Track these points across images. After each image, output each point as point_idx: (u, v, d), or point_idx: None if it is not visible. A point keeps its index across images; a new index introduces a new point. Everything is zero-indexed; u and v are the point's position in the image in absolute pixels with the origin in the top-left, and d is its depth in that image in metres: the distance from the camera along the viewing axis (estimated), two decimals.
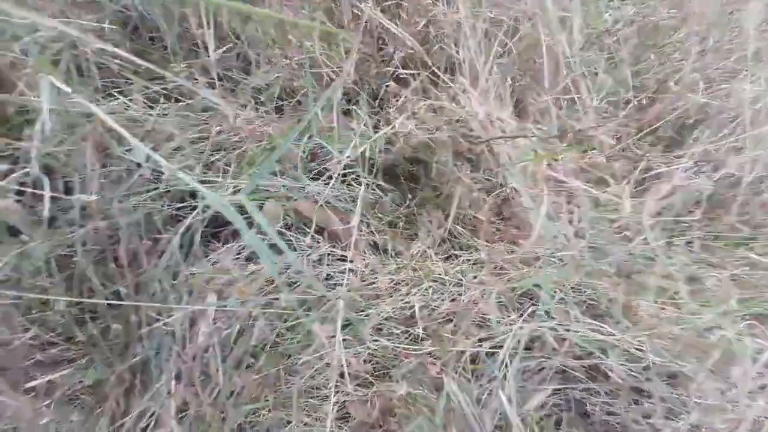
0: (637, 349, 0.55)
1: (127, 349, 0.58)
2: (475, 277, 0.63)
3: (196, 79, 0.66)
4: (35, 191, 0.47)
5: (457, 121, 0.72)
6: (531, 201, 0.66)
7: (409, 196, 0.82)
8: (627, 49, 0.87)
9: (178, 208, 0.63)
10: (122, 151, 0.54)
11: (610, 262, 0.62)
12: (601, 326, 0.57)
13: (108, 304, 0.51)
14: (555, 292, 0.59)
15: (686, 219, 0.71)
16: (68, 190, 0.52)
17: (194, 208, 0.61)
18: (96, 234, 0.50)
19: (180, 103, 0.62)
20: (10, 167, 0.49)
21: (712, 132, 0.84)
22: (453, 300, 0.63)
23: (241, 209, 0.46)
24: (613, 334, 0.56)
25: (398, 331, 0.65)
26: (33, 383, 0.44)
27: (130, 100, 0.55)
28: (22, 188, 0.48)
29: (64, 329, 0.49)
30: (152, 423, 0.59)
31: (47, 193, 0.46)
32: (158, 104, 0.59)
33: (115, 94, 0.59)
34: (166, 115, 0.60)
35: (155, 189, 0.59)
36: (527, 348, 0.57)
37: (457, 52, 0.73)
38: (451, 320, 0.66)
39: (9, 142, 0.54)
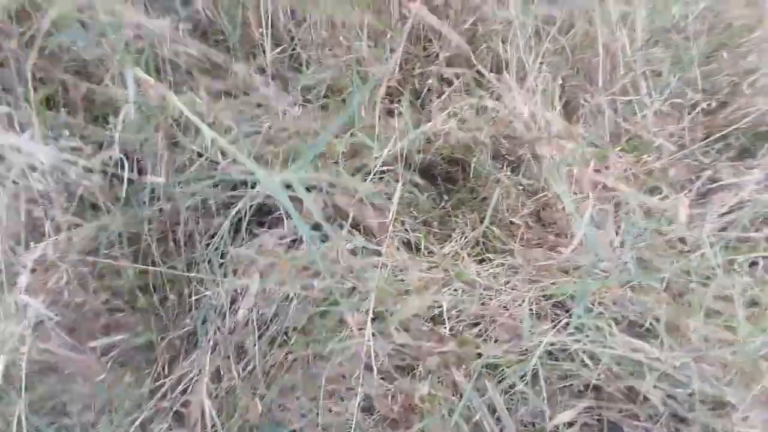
0: (681, 373, 0.52)
1: (178, 319, 0.65)
2: (507, 282, 0.62)
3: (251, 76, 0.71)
4: (115, 172, 0.54)
5: (500, 121, 0.71)
6: (573, 206, 0.63)
7: (446, 196, 0.83)
8: (696, 47, 0.79)
9: (231, 196, 0.68)
10: (188, 141, 0.60)
11: (659, 278, 0.58)
12: (642, 345, 0.54)
13: (166, 276, 0.57)
14: (593, 304, 0.56)
15: (753, 236, 0.64)
16: (140, 173, 0.59)
17: (244, 195, 0.67)
18: (160, 214, 0.56)
19: (237, 99, 0.68)
20: (95, 150, 0.57)
21: None
22: (483, 303, 0.62)
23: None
24: (656, 356, 0.52)
25: (425, 329, 0.66)
26: (95, 343, 0.51)
27: (197, 95, 0.61)
28: (105, 169, 0.56)
29: (129, 297, 0.57)
30: (189, 388, 0.65)
31: (126, 174, 0.53)
32: (220, 100, 0.65)
33: (185, 89, 0.65)
34: (226, 109, 0.66)
35: (212, 177, 0.65)
36: (557, 359, 0.56)
37: (505, 50, 0.71)
38: (479, 323, 0.66)
39: (96, 129, 0.62)
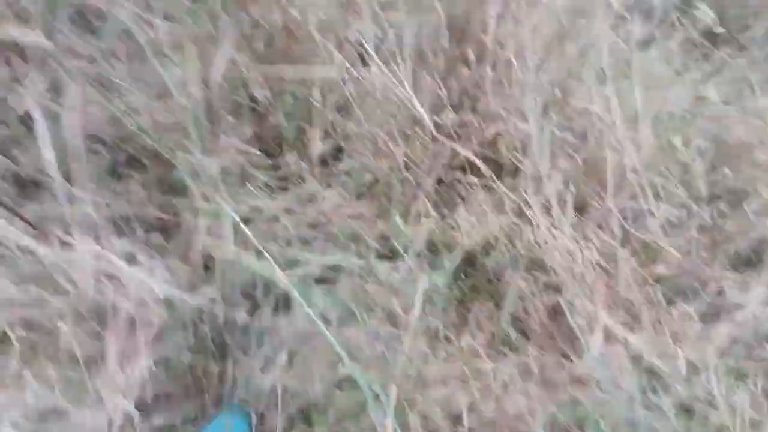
0: None
1: (216, 391, 0.71)
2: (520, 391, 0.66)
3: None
4: None
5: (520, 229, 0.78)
6: (586, 325, 0.68)
7: (462, 281, 0.89)
8: (701, 163, 0.87)
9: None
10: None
11: (669, 400, 0.61)
12: None
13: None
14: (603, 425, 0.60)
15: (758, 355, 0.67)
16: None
17: None
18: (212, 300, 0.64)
19: (287, 191, 0.77)
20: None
21: None
22: (498, 405, 0.66)
23: None
24: None
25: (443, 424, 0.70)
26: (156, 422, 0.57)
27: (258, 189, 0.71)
28: None
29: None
30: None
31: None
32: (274, 192, 0.74)
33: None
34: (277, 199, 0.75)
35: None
36: None
37: (521, 162, 0.80)
38: (495, 423, 0.69)
39: None
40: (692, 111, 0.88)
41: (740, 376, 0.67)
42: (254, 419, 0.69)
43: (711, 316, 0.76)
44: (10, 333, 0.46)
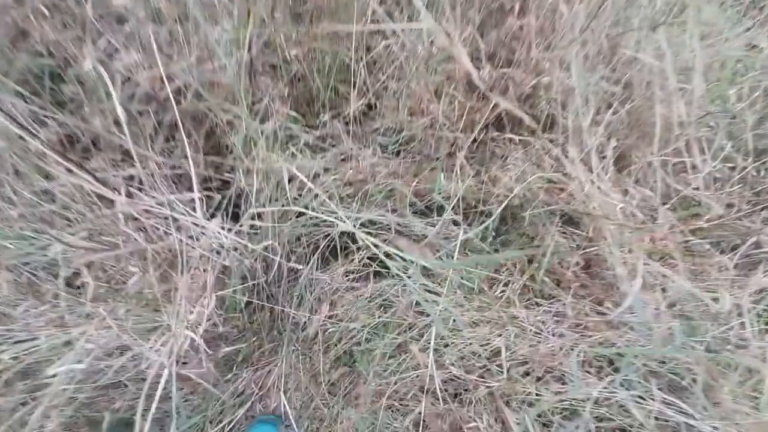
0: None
1: (270, 333, 0.77)
2: (555, 331, 0.70)
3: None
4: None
5: (558, 181, 0.78)
6: (623, 269, 0.69)
7: (494, 235, 0.90)
8: (751, 114, 0.83)
9: (324, 234, 0.79)
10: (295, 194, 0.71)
11: (700, 340, 0.64)
12: (679, 405, 0.60)
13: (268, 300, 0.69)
14: (637, 363, 0.63)
15: None
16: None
17: (327, 235, 0.78)
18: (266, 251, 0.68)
19: (327, 151, 0.78)
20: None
21: None
22: (531, 346, 0.70)
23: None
24: (690, 414, 0.59)
25: (475, 362, 0.75)
26: (221, 353, 0.63)
27: (300, 150, 0.72)
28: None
29: (239, 318, 0.69)
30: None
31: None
32: (316, 151, 0.76)
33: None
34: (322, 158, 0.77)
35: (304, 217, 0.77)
36: (596, 403, 0.63)
37: (564, 117, 0.78)
38: (526, 362, 0.74)
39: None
40: (745, 61, 0.83)
41: None
42: (281, 429, 0.76)
43: (748, 266, 0.76)
44: (86, 274, 0.51)
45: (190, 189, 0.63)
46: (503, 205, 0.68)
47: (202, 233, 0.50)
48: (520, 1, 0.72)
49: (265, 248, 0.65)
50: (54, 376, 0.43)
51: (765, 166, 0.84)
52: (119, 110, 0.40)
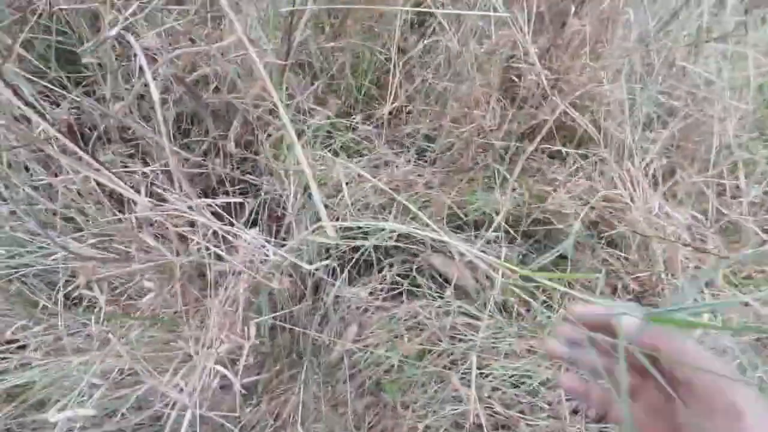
0: None
1: (290, 357, 0.68)
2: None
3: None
4: None
5: (605, 197, 0.73)
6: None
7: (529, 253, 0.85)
8: None
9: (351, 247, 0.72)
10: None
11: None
12: None
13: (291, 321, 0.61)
14: None
15: None
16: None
17: (355, 248, 0.70)
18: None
19: (363, 156, 0.71)
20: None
21: None
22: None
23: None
24: None
25: (512, 394, 0.68)
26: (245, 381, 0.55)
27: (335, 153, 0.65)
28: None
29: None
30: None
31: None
32: (350, 155, 0.69)
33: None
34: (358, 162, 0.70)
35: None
36: None
37: (620, 131, 0.73)
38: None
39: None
40: None
41: None
42: None
43: None
44: (97, 292, 0.43)
45: (208, 191, 0.56)
46: (576, 227, 0.62)
47: (237, 246, 0.42)
48: (576, 5, 0.68)
49: (308, 264, 0.57)
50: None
51: None
52: (153, 89, 0.33)
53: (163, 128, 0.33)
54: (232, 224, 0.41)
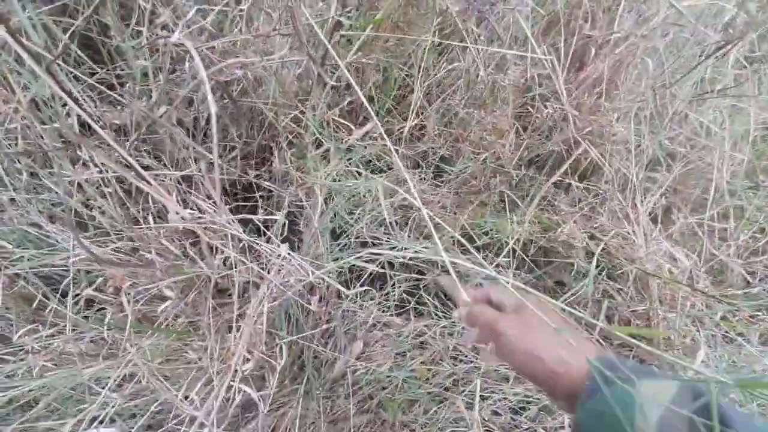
0: None
1: (291, 369, 0.67)
2: None
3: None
4: None
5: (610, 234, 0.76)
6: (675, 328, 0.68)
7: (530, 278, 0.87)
8: None
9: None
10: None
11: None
12: None
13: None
14: None
15: None
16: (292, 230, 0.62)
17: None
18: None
19: (383, 172, 0.72)
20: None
21: None
22: None
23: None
24: None
25: (510, 418, 0.69)
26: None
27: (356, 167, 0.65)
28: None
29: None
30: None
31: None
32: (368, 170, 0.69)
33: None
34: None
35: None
36: None
37: (626, 167, 0.77)
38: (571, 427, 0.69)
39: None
40: None
41: None
42: None
43: None
44: (124, 299, 0.41)
45: (229, 195, 0.55)
46: (594, 261, 0.64)
47: (271, 262, 0.42)
48: (596, 48, 0.71)
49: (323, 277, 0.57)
50: None
51: None
52: (211, 102, 0.32)
53: (215, 145, 0.33)
54: (267, 239, 0.40)
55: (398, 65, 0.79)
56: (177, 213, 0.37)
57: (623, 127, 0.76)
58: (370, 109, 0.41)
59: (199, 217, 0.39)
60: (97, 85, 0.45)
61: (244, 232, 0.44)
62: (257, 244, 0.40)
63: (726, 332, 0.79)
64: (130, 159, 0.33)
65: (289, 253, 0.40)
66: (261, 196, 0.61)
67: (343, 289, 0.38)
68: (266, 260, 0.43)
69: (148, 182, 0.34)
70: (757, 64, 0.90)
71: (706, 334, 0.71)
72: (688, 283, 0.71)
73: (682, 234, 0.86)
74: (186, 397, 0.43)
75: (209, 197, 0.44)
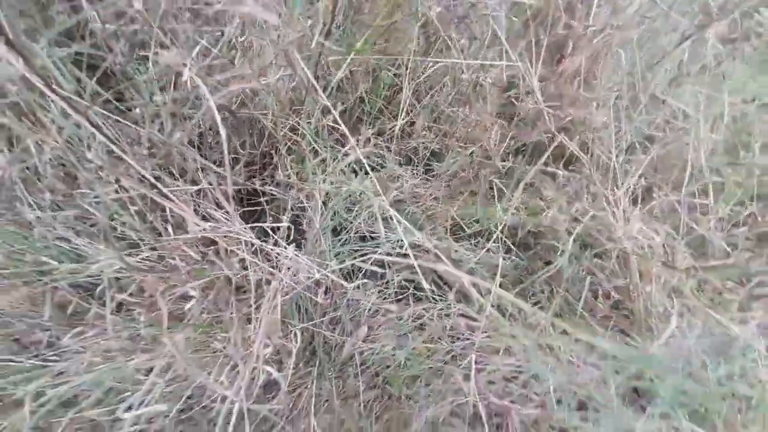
0: None
1: (304, 354, 0.74)
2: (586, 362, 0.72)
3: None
4: None
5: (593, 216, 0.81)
6: (653, 303, 0.74)
7: (520, 261, 0.93)
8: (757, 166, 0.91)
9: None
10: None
11: (720, 375, 0.69)
12: None
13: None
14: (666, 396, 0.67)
15: None
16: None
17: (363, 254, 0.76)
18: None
19: (376, 171, 0.77)
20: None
21: None
22: (566, 375, 0.73)
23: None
24: None
25: (504, 386, 0.76)
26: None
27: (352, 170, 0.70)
28: None
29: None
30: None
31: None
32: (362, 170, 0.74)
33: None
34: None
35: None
36: None
37: (607, 156, 0.81)
38: (558, 391, 0.76)
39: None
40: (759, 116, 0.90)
41: None
42: None
43: (754, 302, 0.83)
44: (161, 302, 0.47)
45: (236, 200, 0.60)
46: (570, 241, 0.70)
47: (281, 263, 0.48)
48: (574, 41, 0.75)
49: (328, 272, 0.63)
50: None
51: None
52: (221, 128, 0.38)
53: (228, 165, 0.38)
54: (276, 242, 0.46)
55: (386, 67, 0.83)
56: (197, 225, 0.42)
57: (604, 116, 0.80)
58: (352, 140, 0.45)
59: (215, 227, 0.45)
60: (115, 117, 0.50)
61: (255, 233, 0.50)
62: (268, 247, 0.46)
63: (710, 302, 0.86)
64: (154, 182, 0.39)
65: (295, 254, 0.46)
66: (266, 201, 0.67)
67: (344, 283, 0.44)
68: (275, 260, 0.49)
69: (171, 200, 0.40)
70: (737, 43, 0.93)
71: (686, 304, 0.77)
72: (660, 258, 0.77)
73: (662, 212, 0.91)
74: (216, 380, 0.50)
75: (219, 206, 0.50)
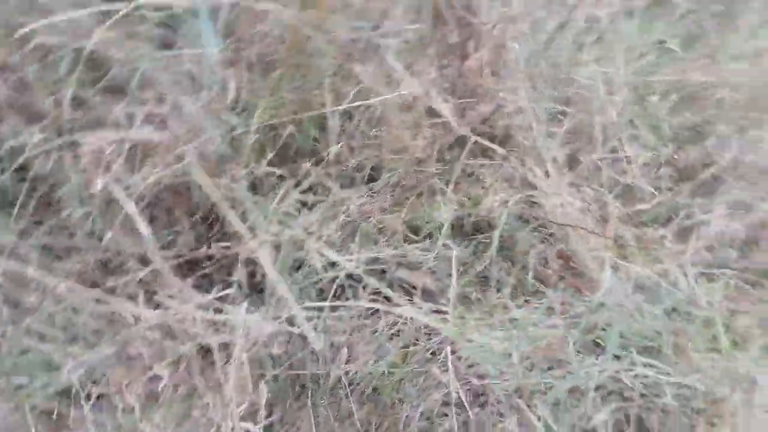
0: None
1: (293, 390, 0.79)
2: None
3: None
4: None
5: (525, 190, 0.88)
6: (592, 260, 0.82)
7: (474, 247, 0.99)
8: (666, 110, 1.00)
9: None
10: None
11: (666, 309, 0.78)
12: (657, 366, 0.74)
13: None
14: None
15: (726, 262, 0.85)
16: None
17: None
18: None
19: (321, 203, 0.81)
20: None
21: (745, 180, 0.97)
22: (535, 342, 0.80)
23: None
24: (668, 373, 0.72)
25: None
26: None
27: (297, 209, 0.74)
28: None
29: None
30: None
31: None
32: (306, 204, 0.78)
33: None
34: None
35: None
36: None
37: (526, 137, 0.88)
38: (528, 357, 0.83)
39: None
40: (656, 62, 0.99)
41: (711, 278, 0.85)
42: None
43: (684, 234, 0.93)
44: (127, 396, 0.50)
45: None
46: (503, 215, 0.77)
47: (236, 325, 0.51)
48: (474, 41, 0.80)
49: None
50: None
51: (681, 149, 1.02)
52: (151, 243, 0.41)
53: (160, 262, 0.41)
54: (223, 306, 0.49)
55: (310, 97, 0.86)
56: (148, 314, 0.45)
57: (520, 102, 0.86)
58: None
59: (166, 310, 0.48)
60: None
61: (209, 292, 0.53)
62: (221, 317, 0.49)
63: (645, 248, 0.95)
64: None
65: (247, 313, 0.50)
66: (217, 260, 0.69)
67: (296, 331, 0.48)
68: (231, 324, 0.52)
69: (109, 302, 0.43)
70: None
71: (621, 253, 0.86)
72: (581, 224, 0.84)
73: (590, 172, 0.99)
74: None
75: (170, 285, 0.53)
